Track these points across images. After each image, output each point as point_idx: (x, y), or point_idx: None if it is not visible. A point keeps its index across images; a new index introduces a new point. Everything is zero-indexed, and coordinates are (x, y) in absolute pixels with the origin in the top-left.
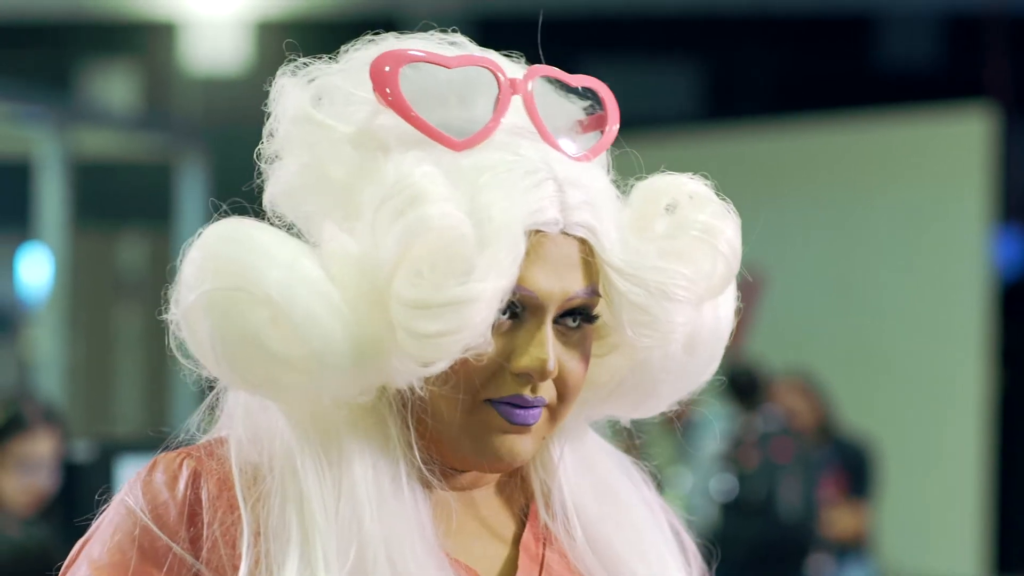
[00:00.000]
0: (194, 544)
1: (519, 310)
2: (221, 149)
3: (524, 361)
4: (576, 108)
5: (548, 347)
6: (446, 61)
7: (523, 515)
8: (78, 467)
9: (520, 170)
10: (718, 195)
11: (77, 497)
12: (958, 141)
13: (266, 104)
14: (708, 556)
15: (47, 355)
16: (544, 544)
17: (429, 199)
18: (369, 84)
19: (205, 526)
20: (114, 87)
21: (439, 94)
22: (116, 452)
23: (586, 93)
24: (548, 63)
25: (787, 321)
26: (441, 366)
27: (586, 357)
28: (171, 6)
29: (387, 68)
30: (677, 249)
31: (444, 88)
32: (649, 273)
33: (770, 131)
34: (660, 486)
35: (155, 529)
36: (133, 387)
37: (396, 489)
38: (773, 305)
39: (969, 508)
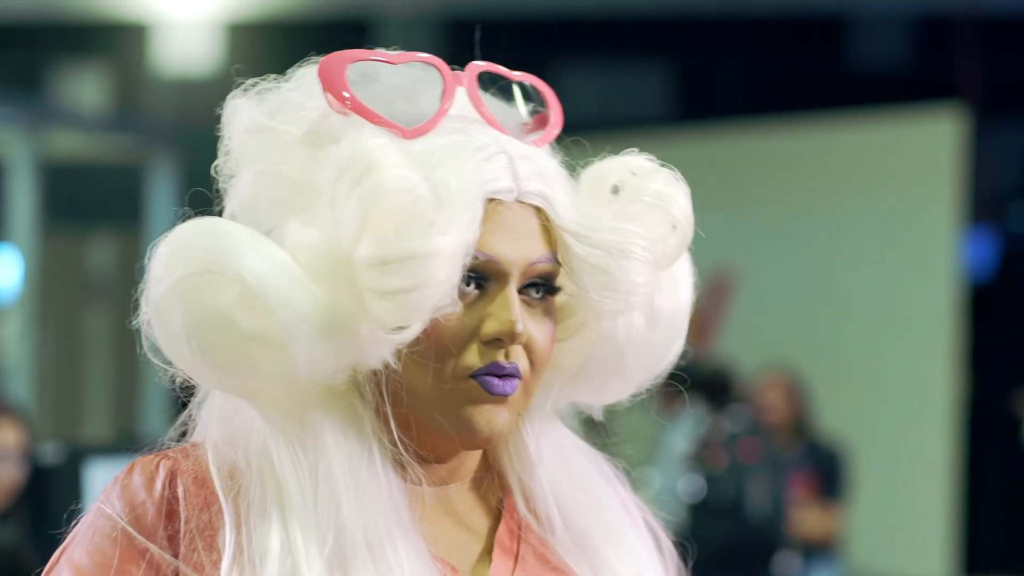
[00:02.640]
0: (172, 541)
1: (483, 280)
2: (192, 150)
3: (492, 325)
4: (519, 112)
5: (514, 309)
6: (390, 58)
7: (498, 510)
8: (46, 470)
9: (471, 147)
10: (663, 166)
11: (46, 500)
12: (929, 142)
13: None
14: (683, 554)
15: (16, 357)
16: (519, 539)
17: (384, 166)
18: (319, 94)
19: (183, 523)
20: (85, 88)
21: (385, 96)
22: (85, 455)
23: (528, 94)
24: (521, 64)
25: (758, 322)
26: (411, 332)
27: (552, 328)
28: (142, 7)
29: (333, 67)
30: (630, 214)
31: (389, 92)
32: (605, 234)
33: (743, 133)
34: (632, 486)
35: (133, 532)
36: (102, 390)
37: (372, 475)
38: (744, 306)
39: (938, 509)
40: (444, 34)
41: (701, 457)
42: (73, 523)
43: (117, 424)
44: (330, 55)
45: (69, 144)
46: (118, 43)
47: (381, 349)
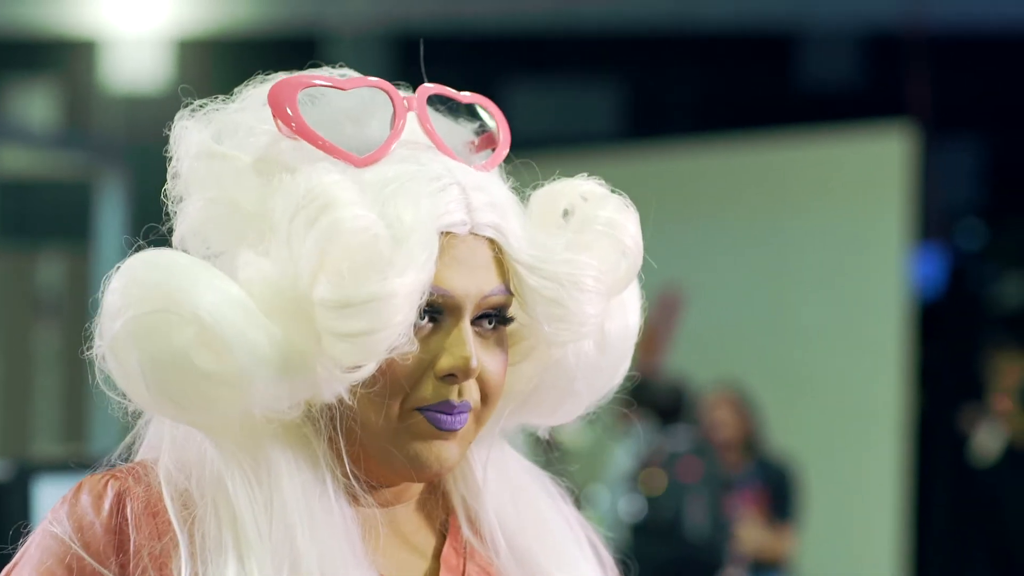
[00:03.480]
0: (123, 569)
1: (438, 314)
2: (141, 168)
3: (447, 361)
4: (466, 130)
5: (469, 345)
6: (340, 84)
7: (443, 530)
8: None
9: (423, 177)
10: (613, 191)
11: None
12: (879, 159)
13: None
14: (625, 572)
15: None
16: (465, 558)
17: (340, 204)
18: (268, 116)
19: (133, 553)
20: (34, 105)
21: (334, 120)
22: (34, 472)
23: (475, 111)
24: (471, 82)
25: (707, 340)
26: (366, 371)
27: (505, 358)
28: (91, 24)
29: (284, 94)
30: (583, 243)
31: (338, 114)
32: (559, 266)
33: (692, 150)
34: (579, 504)
35: (83, 554)
36: (52, 407)
37: (325, 506)
38: (694, 323)
39: (887, 525)
40: (393, 52)
41: (640, 477)
42: (20, 542)
43: (67, 441)
44: (280, 81)
45: (18, 161)
46: (67, 60)
47: (336, 386)
